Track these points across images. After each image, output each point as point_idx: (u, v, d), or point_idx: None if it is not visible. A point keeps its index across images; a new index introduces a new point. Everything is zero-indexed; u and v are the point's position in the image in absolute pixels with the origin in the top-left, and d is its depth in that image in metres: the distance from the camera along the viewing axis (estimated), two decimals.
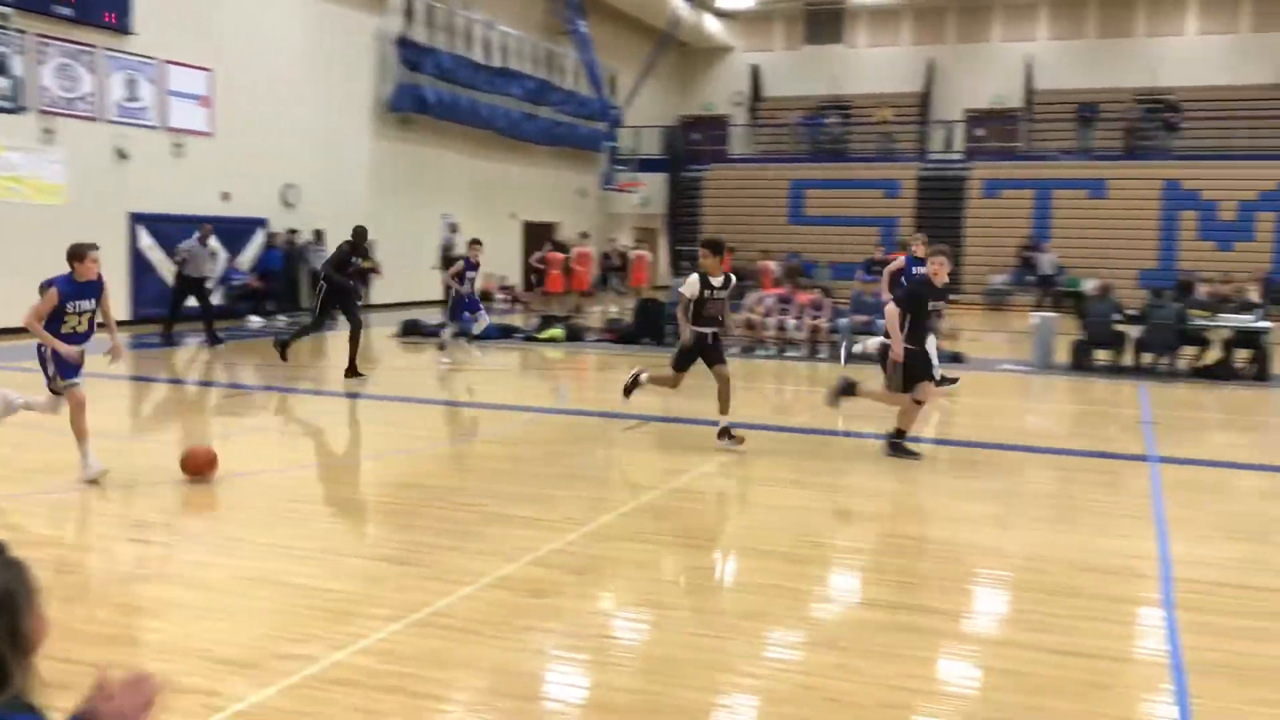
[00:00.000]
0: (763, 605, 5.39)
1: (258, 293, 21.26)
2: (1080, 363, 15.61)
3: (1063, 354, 15.96)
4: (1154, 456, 9.37)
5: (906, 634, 4.95)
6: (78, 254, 7.36)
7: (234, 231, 20.93)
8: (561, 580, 5.65)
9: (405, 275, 24.05)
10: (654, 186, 34.88)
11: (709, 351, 9.36)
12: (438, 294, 24.40)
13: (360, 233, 13.79)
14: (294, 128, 22.31)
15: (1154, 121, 31.88)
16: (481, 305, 15.89)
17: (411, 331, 18.81)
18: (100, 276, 7.50)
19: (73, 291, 7.34)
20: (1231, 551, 6.49)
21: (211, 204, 20.40)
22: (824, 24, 38.27)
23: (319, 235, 22.32)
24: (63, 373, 7.43)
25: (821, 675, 4.50)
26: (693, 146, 36.77)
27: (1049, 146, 33.11)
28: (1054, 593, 5.65)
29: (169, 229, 19.23)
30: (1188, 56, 34.03)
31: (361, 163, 24.67)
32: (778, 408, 13.21)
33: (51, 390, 7.56)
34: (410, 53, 25.37)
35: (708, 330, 9.31)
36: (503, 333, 18.92)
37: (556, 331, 18.71)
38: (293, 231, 22.17)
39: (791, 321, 17.17)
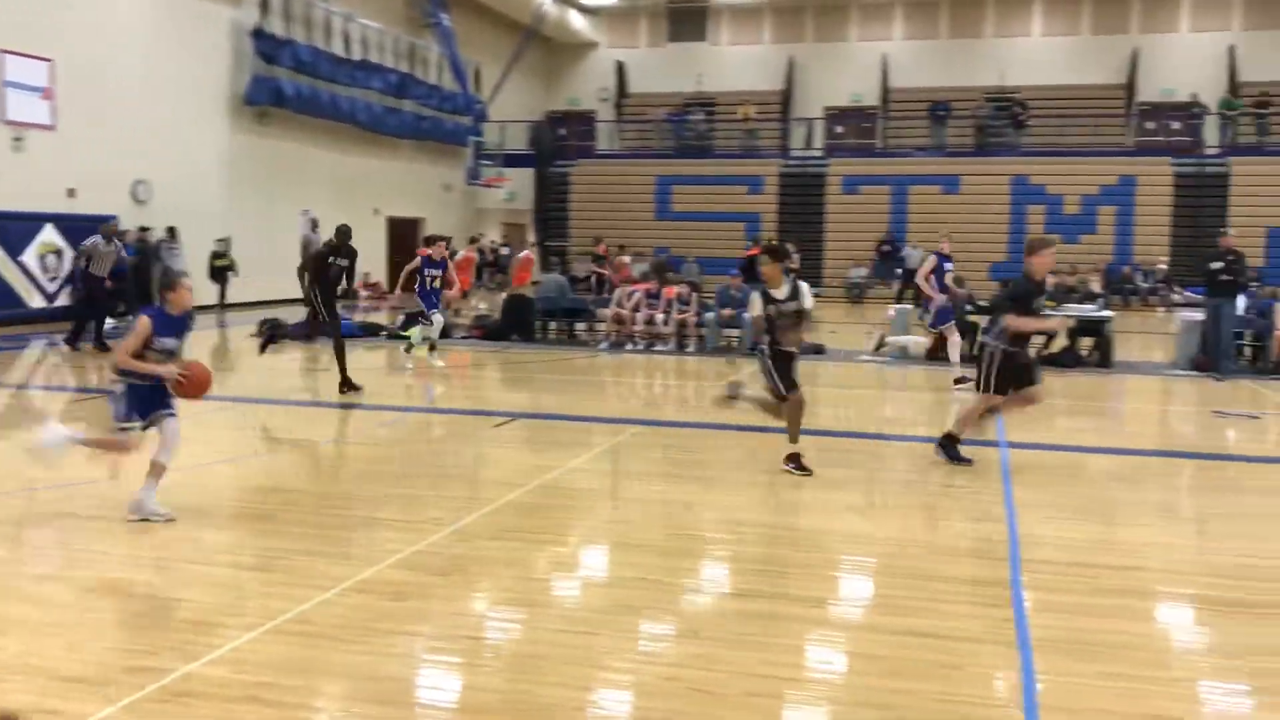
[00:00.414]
0: (631, 599, 5.41)
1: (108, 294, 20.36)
2: (936, 353, 16.11)
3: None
4: (1004, 443, 9.73)
5: (772, 622, 5.03)
6: (169, 283, 6.62)
7: (81, 230, 19.99)
8: (426, 582, 5.57)
9: (263, 273, 23.39)
10: (521, 182, 34.70)
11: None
12: (298, 292, 23.84)
13: (344, 232, 12.56)
14: (144, 121, 21.44)
15: (1003, 119, 33.11)
16: (438, 306, 14.96)
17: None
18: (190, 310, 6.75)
19: (162, 325, 6.54)
20: (1077, 532, 6.78)
21: (57, 200, 19.46)
22: (687, 21, 38.64)
23: (172, 233, 21.51)
24: (140, 411, 6.60)
25: (688, 666, 4.54)
26: (560, 142, 36.69)
27: (905, 144, 34.09)
28: (912, 577, 5.82)
29: (12, 226, 18.28)
30: (1033, 57, 35.47)
31: (217, 157, 23.87)
32: (647, 402, 13.29)
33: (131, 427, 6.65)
34: (266, 45, 24.65)
35: (789, 350, 8.43)
36: (366, 331, 18.57)
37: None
38: (144, 229, 21.30)
39: (659, 316, 17.29)
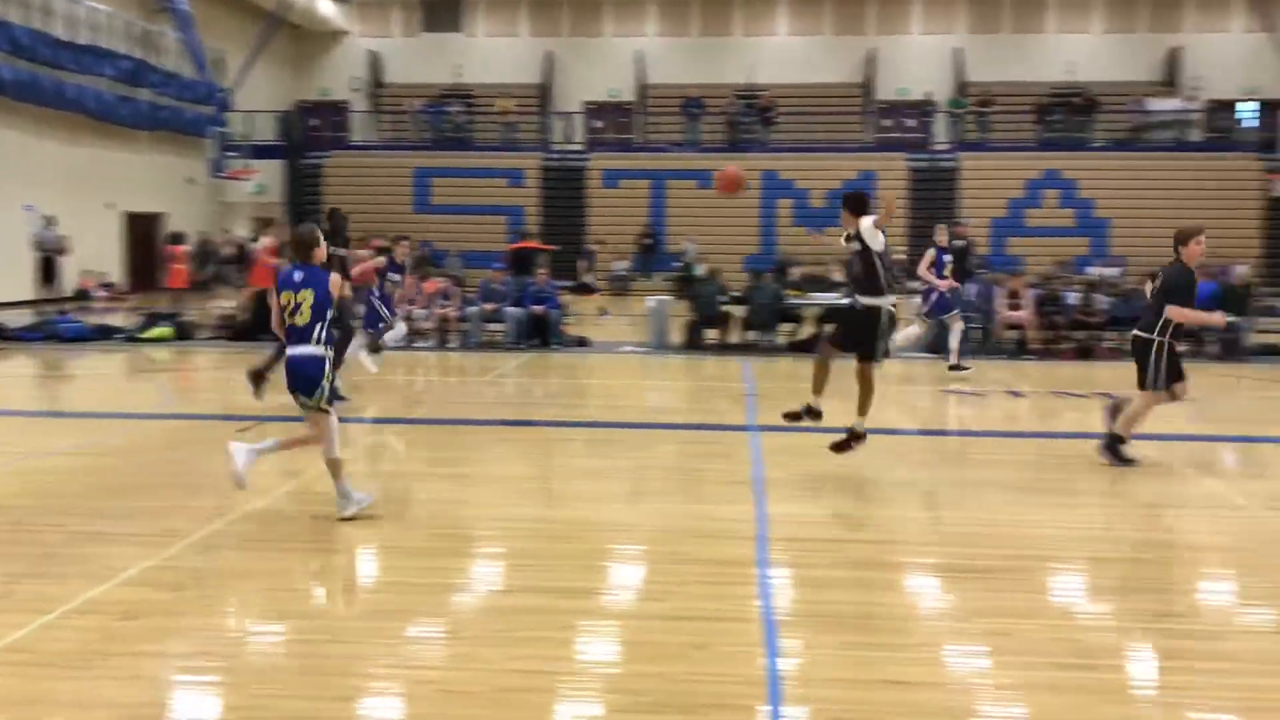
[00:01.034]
0: (387, 603, 5.27)
1: None
2: (693, 342, 16.55)
3: (678, 334, 16.87)
4: (755, 426, 10.08)
5: (530, 616, 5.01)
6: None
7: None
8: (159, 599, 5.24)
9: None
10: (271, 174, 33.29)
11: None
12: (22, 294, 22.05)
13: (339, 216, 11.25)
14: None
15: (752, 116, 34.31)
16: (397, 311, 13.30)
17: None
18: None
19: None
20: (822, 509, 7.10)
21: None
22: (442, 11, 38.06)
23: None
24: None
25: (442, 668, 4.47)
26: (312, 133, 35.42)
27: (661, 139, 34.79)
28: (666, 561, 5.94)
29: None
30: (779, 56, 36.88)
31: None
32: (407, 399, 13.01)
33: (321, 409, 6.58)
34: None
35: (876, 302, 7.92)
36: (102, 333, 17.37)
37: (164, 330, 17.40)
38: None
39: (419, 311, 16.98)
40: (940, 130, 34.21)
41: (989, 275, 20.45)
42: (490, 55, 37.75)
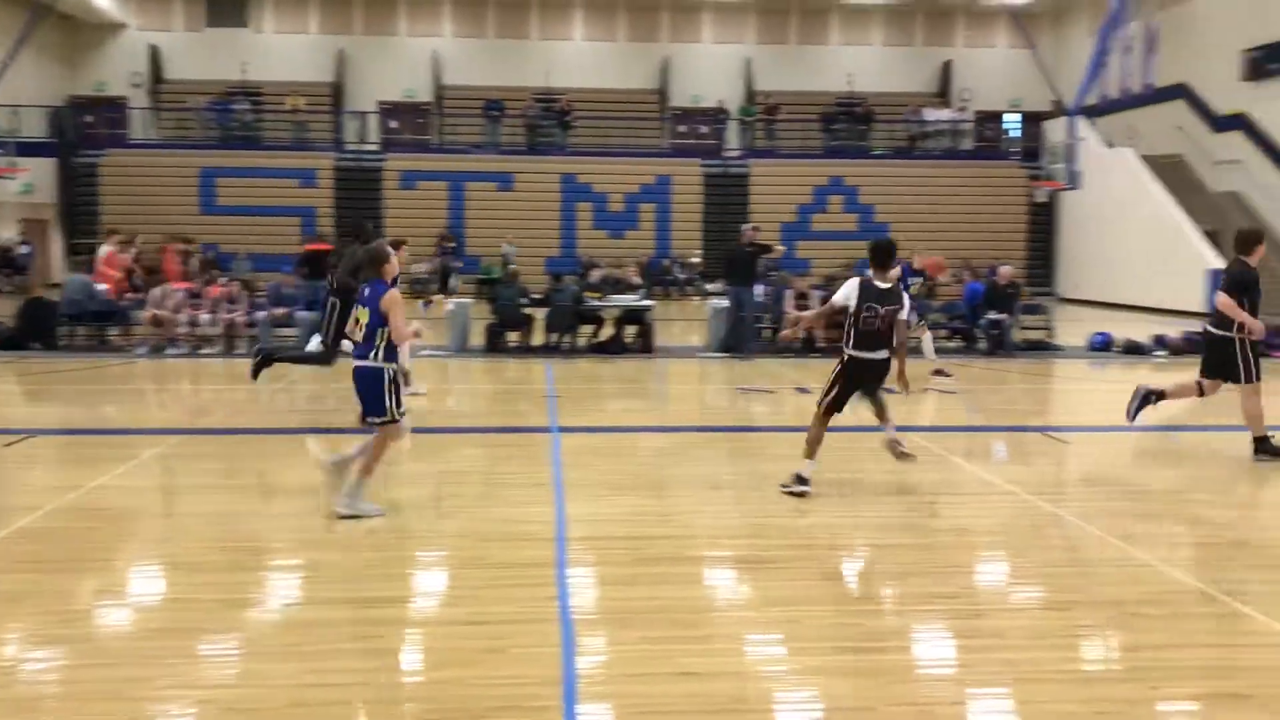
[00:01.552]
0: (168, 622, 5.02)
1: None
2: (494, 345, 16.46)
3: (479, 337, 16.75)
4: (556, 428, 10.12)
5: (325, 629, 4.87)
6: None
7: None
8: None
9: None
10: (42, 173, 31.18)
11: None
12: None
13: (370, 230, 10.43)
14: None
15: (550, 119, 34.40)
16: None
17: None
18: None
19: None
20: (621, 507, 7.19)
21: None
22: (226, 5, 36.52)
23: None
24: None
25: (227, 686, 4.30)
26: (87, 130, 33.36)
27: (460, 140, 34.45)
28: (465, 566, 5.89)
29: None
30: (576, 60, 37.15)
31: None
32: (193, 409, 12.42)
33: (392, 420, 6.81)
34: None
35: (871, 355, 7.54)
36: None
37: None
38: None
39: (205, 317, 16.25)
40: (732, 137, 35.19)
41: (779, 277, 21.18)
42: (279, 52, 36.49)
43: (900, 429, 8.45)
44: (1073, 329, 20.21)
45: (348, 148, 33.85)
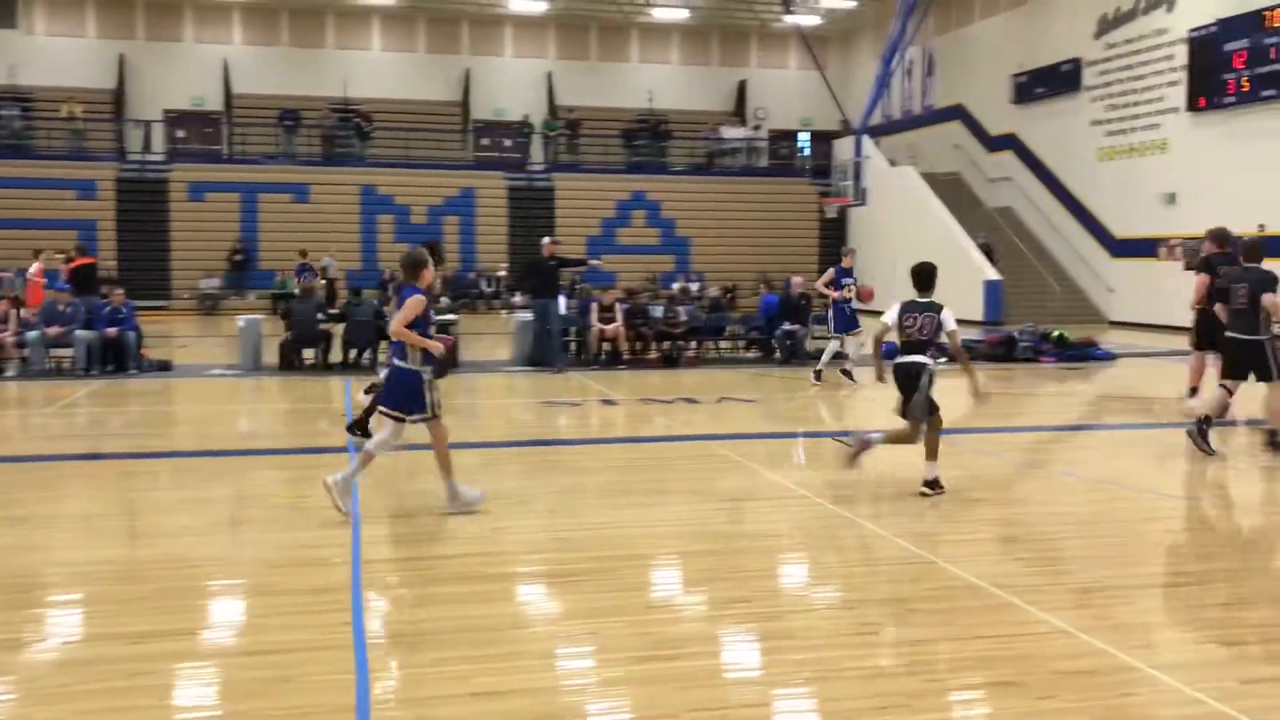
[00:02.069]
0: None
1: None
2: (289, 362, 15.92)
3: (273, 355, 16.17)
4: (354, 447, 9.85)
5: (101, 666, 4.58)
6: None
7: None
8: None
9: None
10: None
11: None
12: None
13: (437, 247, 9.76)
14: None
15: (348, 129, 33.62)
16: None
17: None
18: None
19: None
20: (423, 526, 7.06)
21: None
22: None
23: None
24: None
25: None
26: None
27: (253, 150, 33.26)
28: (256, 594, 5.66)
29: None
30: (375, 70, 36.39)
31: None
32: None
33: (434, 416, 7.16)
34: None
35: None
36: None
37: None
38: None
39: None
40: (536, 151, 35.26)
41: (584, 289, 21.32)
42: (52, 55, 34.30)
43: (700, 438, 8.66)
44: (862, 338, 21.09)
45: (131, 158, 32.19)
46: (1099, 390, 14.36)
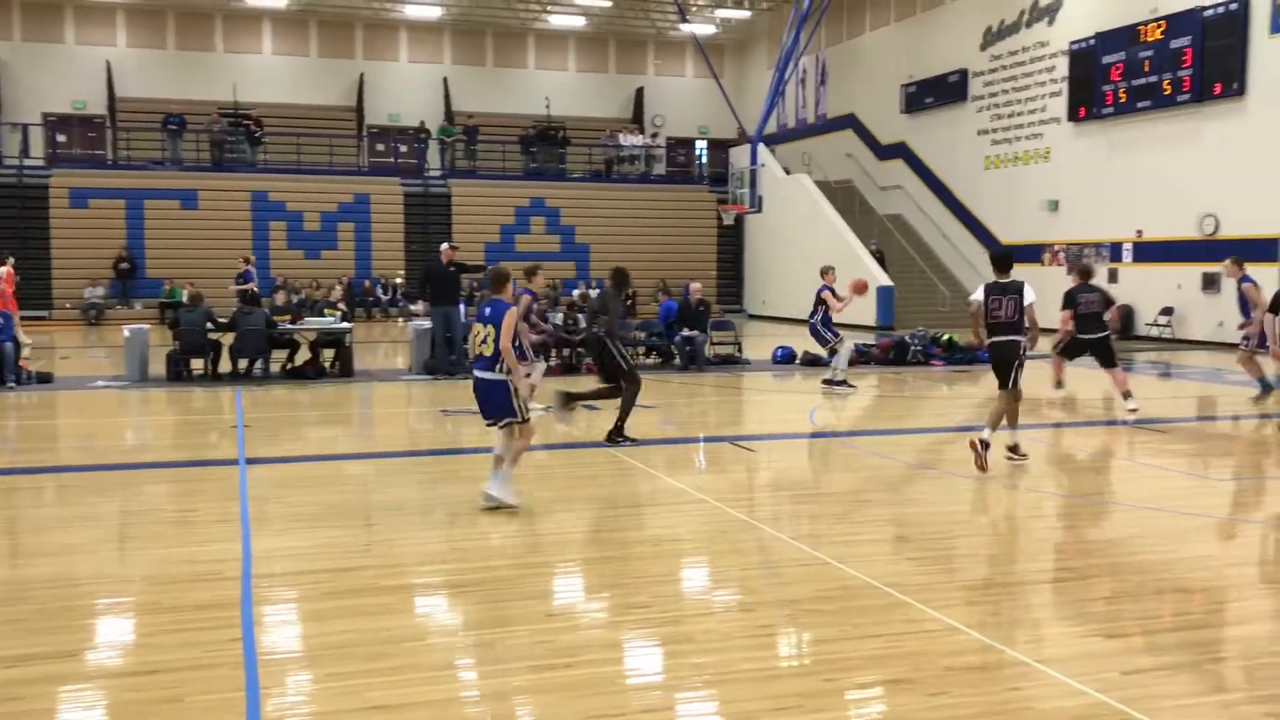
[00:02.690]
0: None
1: None
2: (177, 373, 15.48)
3: (160, 366, 15.71)
4: (245, 460, 9.63)
5: None
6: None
7: None
8: None
9: None
10: None
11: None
12: None
13: (623, 277, 11.05)
14: None
15: (238, 135, 32.85)
16: None
17: None
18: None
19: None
20: (315, 539, 6.91)
21: None
22: None
23: None
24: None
25: None
26: None
27: (138, 156, 32.27)
28: (142, 612, 5.48)
29: None
30: (266, 75, 35.65)
31: None
32: None
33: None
34: None
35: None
36: None
37: None
38: None
39: None
40: (433, 157, 34.90)
41: (483, 296, 21.15)
42: None
43: (600, 445, 8.66)
44: (759, 344, 21.38)
45: (7, 162, 30.96)
46: (987, 392, 14.75)
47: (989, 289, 9.28)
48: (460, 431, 12.00)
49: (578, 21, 37.08)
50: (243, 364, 15.69)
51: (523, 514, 7.66)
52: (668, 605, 5.74)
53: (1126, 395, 12.24)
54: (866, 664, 4.80)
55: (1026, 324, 9.23)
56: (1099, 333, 12.57)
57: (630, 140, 36.11)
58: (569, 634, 5.25)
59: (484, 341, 7.52)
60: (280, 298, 19.68)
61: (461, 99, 36.81)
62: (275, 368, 16.12)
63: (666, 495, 8.49)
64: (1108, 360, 12.49)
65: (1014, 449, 9.31)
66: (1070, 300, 12.80)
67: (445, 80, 37.10)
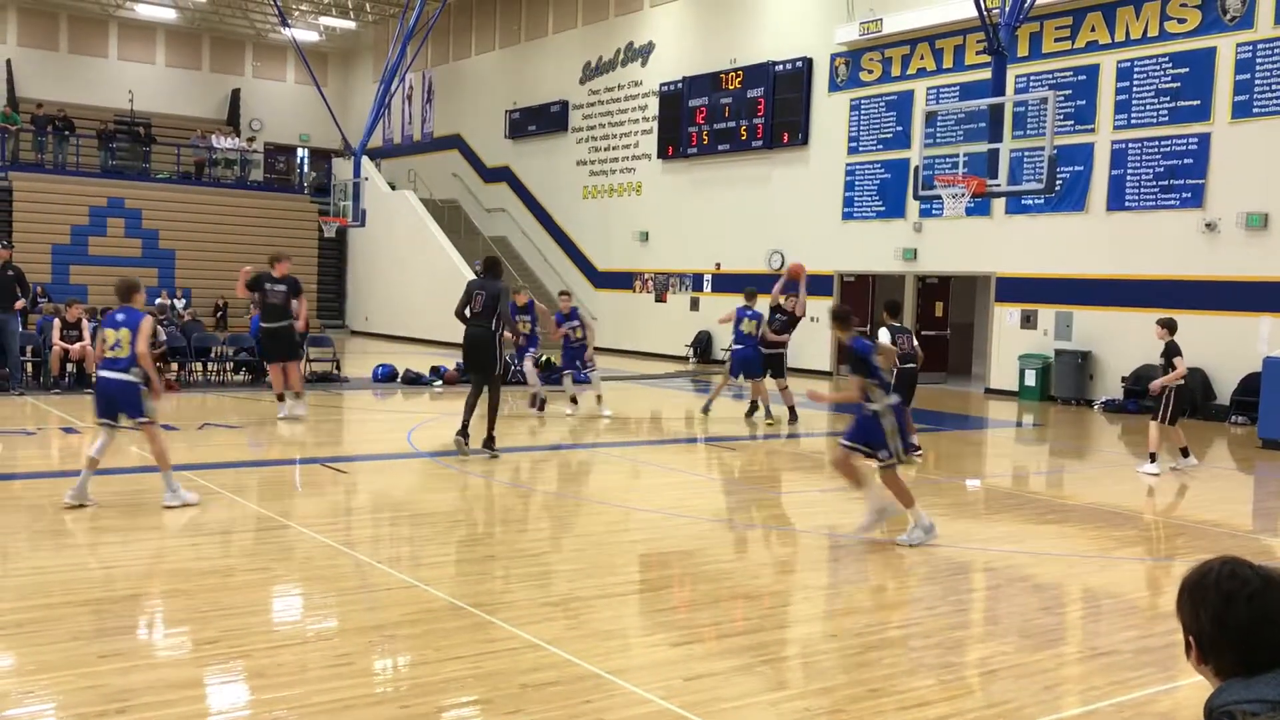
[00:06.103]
0: None
1: None
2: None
3: None
4: None
5: None
6: None
7: None
8: None
9: None
10: None
11: None
12: None
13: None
14: None
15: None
16: None
17: None
18: None
19: None
20: None
21: None
22: None
23: None
24: None
25: None
26: None
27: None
28: None
29: None
30: (158, 86, 33.77)
31: None
32: None
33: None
34: None
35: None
36: None
37: None
38: None
39: None
40: None
41: (47, 305, 19.19)
42: None
43: (178, 468, 8.12)
44: (361, 361, 20.93)
45: None
46: (583, 410, 15.30)
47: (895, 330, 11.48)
48: (11, 454, 10.75)
49: (168, 14, 34.67)
50: None
51: (74, 545, 6.97)
52: (239, 639, 5.41)
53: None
54: (445, 687, 4.78)
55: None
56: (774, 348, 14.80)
57: (224, 143, 34.18)
58: (125, 676, 4.81)
59: (115, 345, 7.99)
60: None
61: (28, 84, 33.25)
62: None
63: (247, 521, 8.05)
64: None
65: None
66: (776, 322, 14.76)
67: (9, 63, 33.35)
